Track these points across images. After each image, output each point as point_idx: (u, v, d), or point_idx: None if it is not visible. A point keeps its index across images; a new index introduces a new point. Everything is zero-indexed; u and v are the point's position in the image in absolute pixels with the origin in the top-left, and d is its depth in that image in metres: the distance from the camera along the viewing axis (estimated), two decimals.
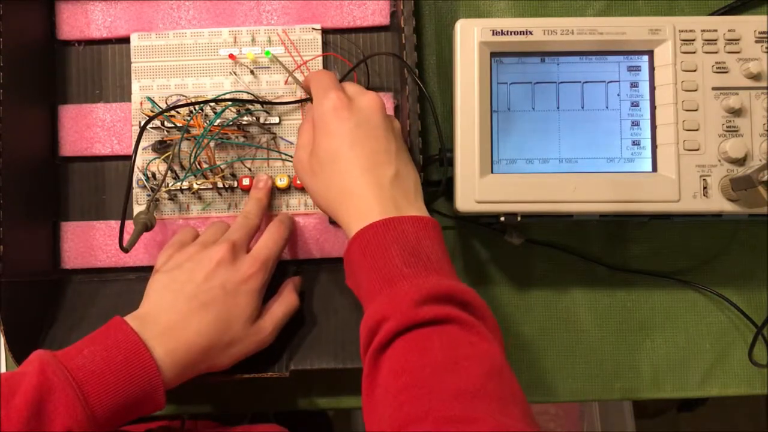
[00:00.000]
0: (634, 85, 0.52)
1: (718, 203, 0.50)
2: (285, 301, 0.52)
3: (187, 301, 0.47)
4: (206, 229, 0.54)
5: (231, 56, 0.57)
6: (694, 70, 0.51)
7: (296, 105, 0.56)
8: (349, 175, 0.46)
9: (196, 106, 0.55)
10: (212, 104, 0.55)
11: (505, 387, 0.38)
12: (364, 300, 0.44)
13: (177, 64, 0.57)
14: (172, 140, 0.56)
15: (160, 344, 0.45)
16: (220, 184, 0.56)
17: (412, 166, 0.48)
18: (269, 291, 0.52)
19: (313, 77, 0.51)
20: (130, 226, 0.54)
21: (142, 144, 0.56)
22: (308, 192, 0.49)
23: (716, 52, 0.51)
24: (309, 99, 0.55)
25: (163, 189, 0.56)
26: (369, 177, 0.45)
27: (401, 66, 0.54)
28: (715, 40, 0.51)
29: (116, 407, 0.43)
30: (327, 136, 0.47)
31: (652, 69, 0.52)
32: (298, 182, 0.56)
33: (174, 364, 0.46)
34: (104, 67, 0.59)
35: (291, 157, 0.56)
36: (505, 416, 0.36)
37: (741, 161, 0.50)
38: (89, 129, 0.58)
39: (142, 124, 0.54)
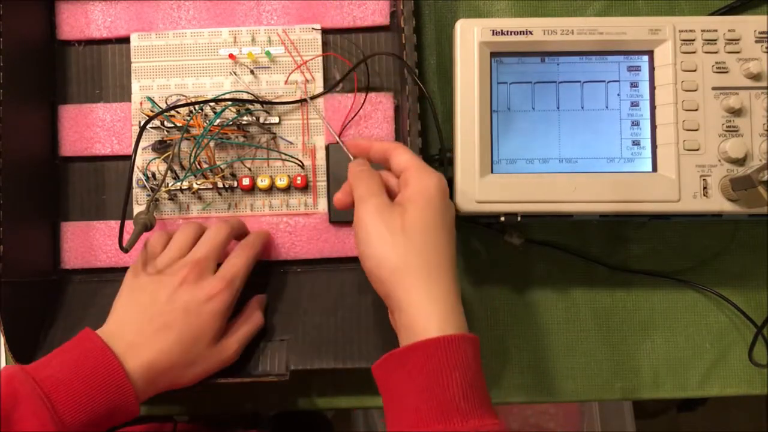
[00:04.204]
0: (634, 85, 0.52)
1: (718, 203, 0.50)
2: (249, 320, 0.52)
3: (150, 322, 0.48)
4: (177, 234, 0.53)
5: (231, 56, 0.57)
6: (694, 70, 0.51)
7: (296, 105, 0.56)
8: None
9: (196, 106, 0.55)
10: (212, 104, 0.56)
11: None
12: (397, 406, 0.42)
13: (177, 64, 0.57)
14: (172, 140, 0.56)
15: (126, 359, 0.46)
16: (220, 184, 0.56)
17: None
18: (243, 297, 0.52)
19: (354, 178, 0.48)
20: (130, 226, 0.54)
21: (142, 144, 0.56)
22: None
23: (716, 52, 0.51)
24: (304, 100, 0.55)
25: (163, 189, 0.56)
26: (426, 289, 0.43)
27: (401, 66, 0.54)
28: (715, 40, 0.51)
29: (86, 416, 0.43)
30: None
31: (652, 69, 0.52)
32: (298, 182, 0.56)
33: (138, 380, 0.46)
34: (104, 67, 0.59)
35: (291, 157, 0.56)
36: None
37: (741, 161, 0.50)
38: (89, 129, 0.58)
39: (142, 124, 0.54)
